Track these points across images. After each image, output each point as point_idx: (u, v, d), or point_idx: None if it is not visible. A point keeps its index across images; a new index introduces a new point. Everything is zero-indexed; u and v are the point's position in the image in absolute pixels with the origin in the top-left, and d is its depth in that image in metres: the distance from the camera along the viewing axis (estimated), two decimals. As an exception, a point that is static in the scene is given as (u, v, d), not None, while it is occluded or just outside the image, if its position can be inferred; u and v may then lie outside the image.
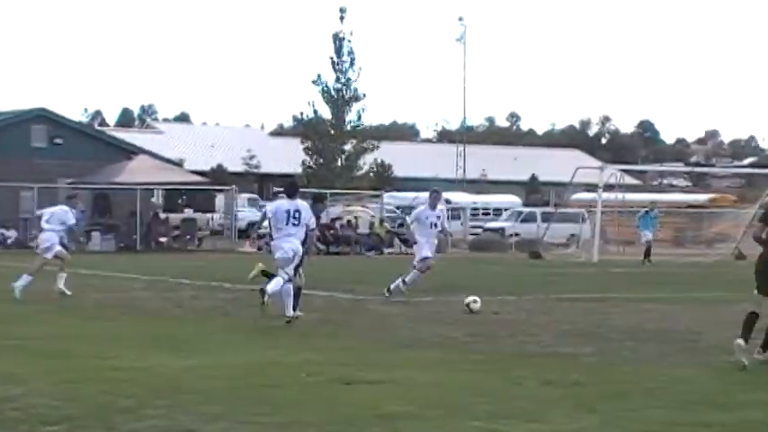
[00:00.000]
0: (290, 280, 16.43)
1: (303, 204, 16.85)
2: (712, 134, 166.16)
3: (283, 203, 16.89)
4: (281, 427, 8.73)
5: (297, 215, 16.48)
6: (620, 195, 48.92)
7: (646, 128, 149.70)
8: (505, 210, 60.68)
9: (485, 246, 49.31)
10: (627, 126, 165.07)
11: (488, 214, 61.74)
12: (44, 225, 21.09)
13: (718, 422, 9.11)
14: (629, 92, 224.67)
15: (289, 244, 16.51)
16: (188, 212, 52.43)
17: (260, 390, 10.43)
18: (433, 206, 21.42)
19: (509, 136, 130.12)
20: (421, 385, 10.85)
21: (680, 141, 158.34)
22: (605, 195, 44.11)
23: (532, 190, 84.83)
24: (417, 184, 71.81)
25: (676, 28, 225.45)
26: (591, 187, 48.81)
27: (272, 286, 16.36)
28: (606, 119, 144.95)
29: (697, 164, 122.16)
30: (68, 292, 20.53)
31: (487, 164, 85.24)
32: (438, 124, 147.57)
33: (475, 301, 18.62)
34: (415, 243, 21.50)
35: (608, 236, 46.22)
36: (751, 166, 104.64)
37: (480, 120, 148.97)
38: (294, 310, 16.49)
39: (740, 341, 12.55)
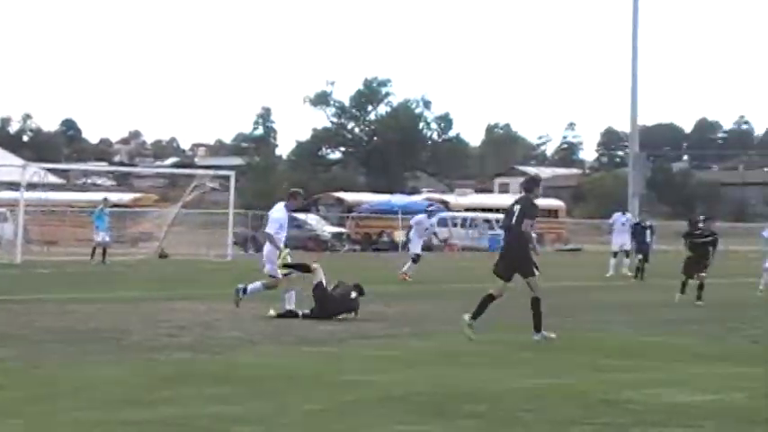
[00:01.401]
0: None
1: None
2: (135, 134, 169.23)
3: None
4: None
5: None
6: (43, 195, 48.29)
7: (69, 126, 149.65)
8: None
9: None
10: (50, 124, 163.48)
11: None
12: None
13: (139, 419, 9.32)
14: (52, 90, 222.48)
15: None
16: None
17: None
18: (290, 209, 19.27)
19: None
20: None
21: (103, 141, 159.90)
22: (28, 194, 43.34)
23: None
24: None
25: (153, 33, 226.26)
26: (13, 186, 47.73)
27: None
28: (28, 116, 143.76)
29: (121, 163, 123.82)
30: None
31: None
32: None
33: None
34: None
35: (31, 236, 45.47)
36: (173, 166, 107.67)
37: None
38: None
39: (466, 316, 15.10)
